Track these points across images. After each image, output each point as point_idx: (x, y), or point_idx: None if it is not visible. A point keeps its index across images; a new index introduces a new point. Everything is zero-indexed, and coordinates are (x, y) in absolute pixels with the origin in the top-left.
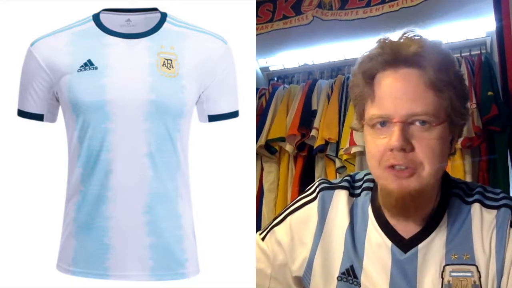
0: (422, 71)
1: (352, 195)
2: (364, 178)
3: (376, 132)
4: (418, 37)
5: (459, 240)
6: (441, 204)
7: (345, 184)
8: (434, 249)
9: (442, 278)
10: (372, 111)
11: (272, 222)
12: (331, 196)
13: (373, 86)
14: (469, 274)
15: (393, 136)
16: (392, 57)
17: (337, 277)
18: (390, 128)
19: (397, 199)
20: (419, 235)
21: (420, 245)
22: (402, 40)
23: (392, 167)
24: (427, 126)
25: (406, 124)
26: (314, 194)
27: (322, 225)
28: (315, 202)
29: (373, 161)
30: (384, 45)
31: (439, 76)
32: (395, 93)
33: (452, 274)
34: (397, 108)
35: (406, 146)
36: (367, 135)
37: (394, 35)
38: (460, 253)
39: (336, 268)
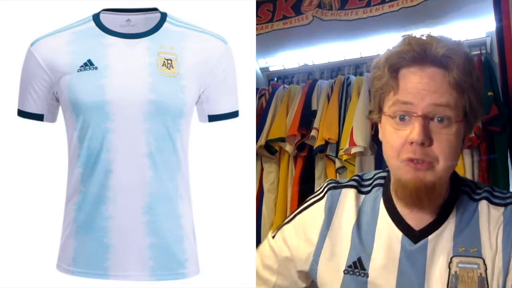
0: (447, 72)
1: (361, 192)
2: (375, 177)
3: (397, 124)
4: (445, 38)
5: (467, 233)
6: (450, 199)
7: (353, 183)
8: (443, 240)
9: (449, 269)
10: (394, 99)
11: (283, 221)
12: (339, 195)
13: (397, 80)
14: (475, 266)
15: (414, 130)
16: (421, 55)
17: (344, 271)
18: (411, 122)
19: (411, 190)
20: (430, 226)
21: (430, 236)
22: (429, 39)
23: (410, 160)
24: (446, 123)
25: (427, 119)
26: (322, 194)
27: (329, 222)
28: (323, 201)
29: (392, 151)
30: (413, 41)
31: (463, 77)
32: (420, 86)
33: (459, 265)
34: (420, 98)
35: (426, 140)
36: (387, 125)
37: (417, 32)
38: (467, 246)
39: (343, 262)
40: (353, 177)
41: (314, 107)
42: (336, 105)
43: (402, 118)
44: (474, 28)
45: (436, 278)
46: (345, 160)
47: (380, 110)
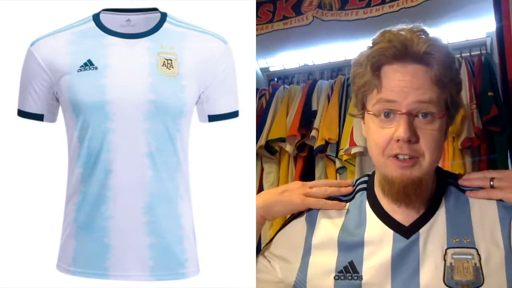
0: (429, 68)
1: (342, 201)
2: (356, 183)
3: (381, 122)
4: (426, 35)
5: (459, 224)
6: (437, 192)
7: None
8: (435, 233)
9: (445, 261)
10: (378, 97)
11: (265, 244)
12: (318, 210)
13: (380, 77)
14: (470, 256)
15: (400, 128)
16: (402, 52)
17: (334, 277)
18: (396, 119)
19: (399, 187)
20: (419, 220)
21: (421, 230)
22: (410, 36)
23: (395, 156)
24: (430, 118)
25: (411, 116)
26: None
27: (312, 233)
28: (303, 215)
29: (377, 149)
30: (393, 38)
31: (444, 73)
32: (403, 84)
33: (454, 256)
34: (403, 95)
35: (412, 137)
36: (371, 124)
37: (398, 28)
38: (461, 237)
39: (331, 270)
40: None
41: (314, 107)
42: (336, 105)
43: (386, 115)
44: (474, 28)
45: (431, 270)
46: (345, 160)
47: (363, 107)
